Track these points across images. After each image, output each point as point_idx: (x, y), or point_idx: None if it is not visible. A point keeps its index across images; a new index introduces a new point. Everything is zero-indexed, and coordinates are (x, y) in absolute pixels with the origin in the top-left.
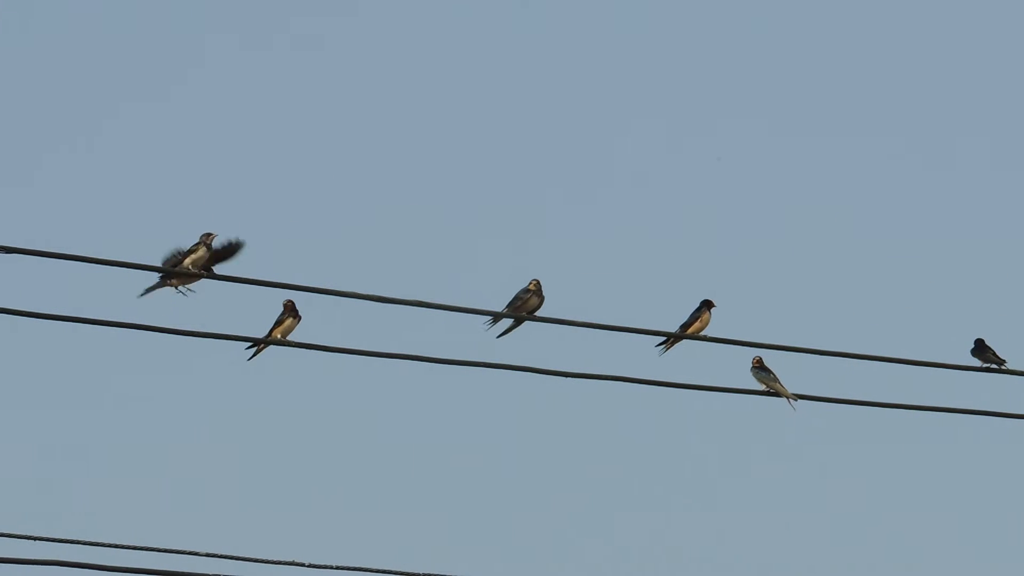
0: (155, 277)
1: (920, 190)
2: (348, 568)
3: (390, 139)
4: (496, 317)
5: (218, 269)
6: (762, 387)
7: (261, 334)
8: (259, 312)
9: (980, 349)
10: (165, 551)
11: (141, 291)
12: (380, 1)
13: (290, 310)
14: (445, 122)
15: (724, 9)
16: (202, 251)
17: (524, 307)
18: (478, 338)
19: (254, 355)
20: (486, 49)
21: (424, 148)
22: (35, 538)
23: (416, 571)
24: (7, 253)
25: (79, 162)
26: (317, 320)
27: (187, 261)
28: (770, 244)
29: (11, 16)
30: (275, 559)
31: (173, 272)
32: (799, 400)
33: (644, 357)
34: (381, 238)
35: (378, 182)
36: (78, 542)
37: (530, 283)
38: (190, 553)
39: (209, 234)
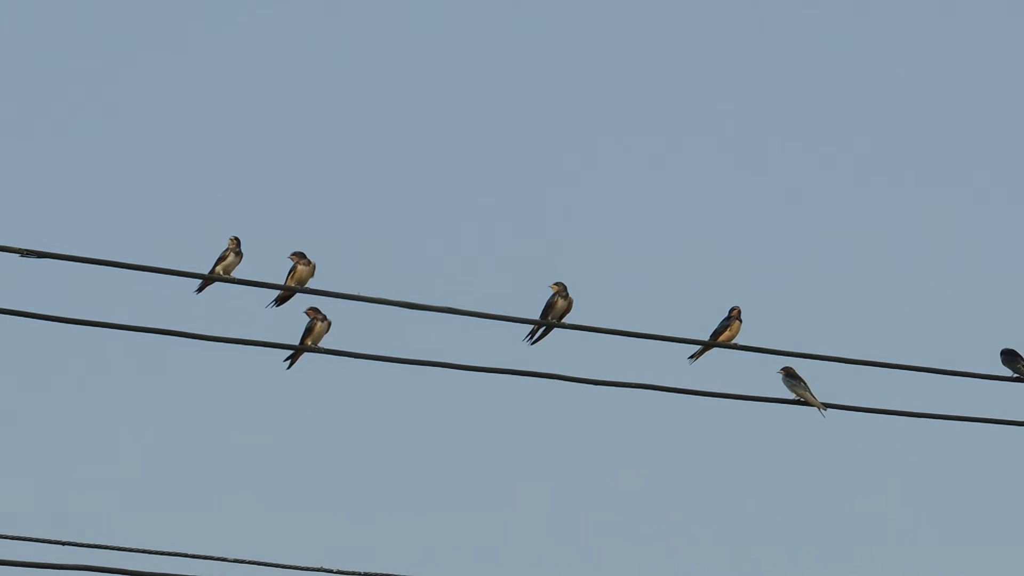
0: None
1: (951, 197)
2: (375, 574)
3: (413, 143)
4: (534, 329)
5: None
6: (792, 396)
7: (295, 340)
8: (287, 319)
9: (1011, 359)
10: (190, 556)
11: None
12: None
13: (316, 316)
14: (469, 127)
15: (730, 5)
16: (231, 257)
17: (553, 312)
18: (508, 345)
19: (291, 364)
20: (498, 51)
21: (449, 153)
22: (63, 543)
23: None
24: (31, 256)
25: (79, 163)
26: (347, 327)
27: (219, 268)
28: (800, 253)
29: (7, 11)
30: (302, 565)
31: (208, 278)
32: (829, 409)
33: (673, 365)
34: (406, 245)
35: (405, 190)
36: (103, 547)
37: (553, 286)
38: (218, 559)
39: (236, 238)
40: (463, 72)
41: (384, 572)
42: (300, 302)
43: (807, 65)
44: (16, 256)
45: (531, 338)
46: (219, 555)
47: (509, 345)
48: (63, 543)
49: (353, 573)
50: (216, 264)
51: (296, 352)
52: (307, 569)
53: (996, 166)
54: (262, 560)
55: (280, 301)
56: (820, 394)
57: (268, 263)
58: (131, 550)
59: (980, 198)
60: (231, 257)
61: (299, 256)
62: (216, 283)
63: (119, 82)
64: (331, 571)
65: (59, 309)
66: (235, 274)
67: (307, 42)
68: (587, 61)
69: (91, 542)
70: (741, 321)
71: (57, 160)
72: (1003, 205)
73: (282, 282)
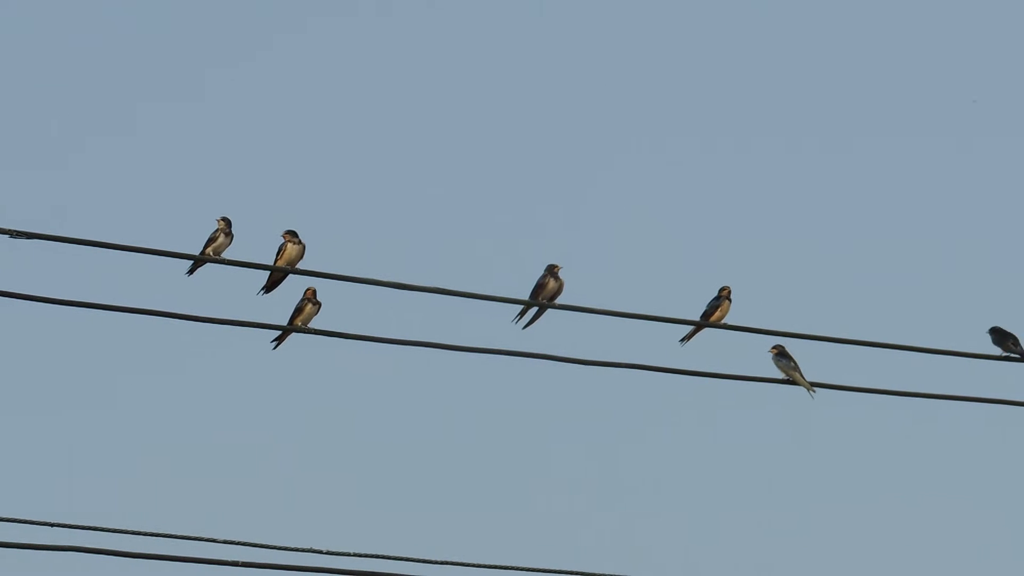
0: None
1: (939, 176)
2: (365, 555)
3: (407, 131)
4: (524, 309)
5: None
6: (781, 375)
7: (282, 322)
8: (282, 300)
9: (1000, 338)
10: (185, 538)
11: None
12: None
13: (310, 298)
14: (461, 111)
15: (735, 7)
16: (222, 238)
17: (544, 293)
18: (498, 326)
19: (277, 344)
20: (499, 43)
21: (443, 139)
22: (55, 524)
23: (433, 558)
24: (21, 238)
25: (70, 144)
26: (337, 307)
27: (209, 249)
28: (789, 232)
29: (35, 14)
30: (292, 546)
31: (199, 259)
32: (818, 388)
33: (663, 345)
34: (400, 228)
35: (398, 174)
36: (99, 529)
37: (547, 268)
38: (207, 540)
39: (225, 219)
40: (452, 62)
41: (374, 553)
42: (292, 289)
43: (787, 49)
44: (6, 237)
45: (520, 318)
46: (208, 536)
47: (500, 326)
48: (54, 524)
49: (343, 554)
50: (207, 245)
51: (284, 332)
52: (297, 550)
53: (983, 147)
54: (252, 541)
55: (270, 287)
56: (809, 373)
57: (260, 244)
58: (121, 531)
59: (969, 177)
60: (221, 238)
61: (290, 235)
62: (207, 264)
63: (115, 72)
64: (321, 551)
65: (48, 290)
66: (226, 255)
67: (315, 41)
68: (583, 55)
69: (81, 523)
70: (731, 301)
71: (47, 141)
72: (991, 184)
73: (279, 267)
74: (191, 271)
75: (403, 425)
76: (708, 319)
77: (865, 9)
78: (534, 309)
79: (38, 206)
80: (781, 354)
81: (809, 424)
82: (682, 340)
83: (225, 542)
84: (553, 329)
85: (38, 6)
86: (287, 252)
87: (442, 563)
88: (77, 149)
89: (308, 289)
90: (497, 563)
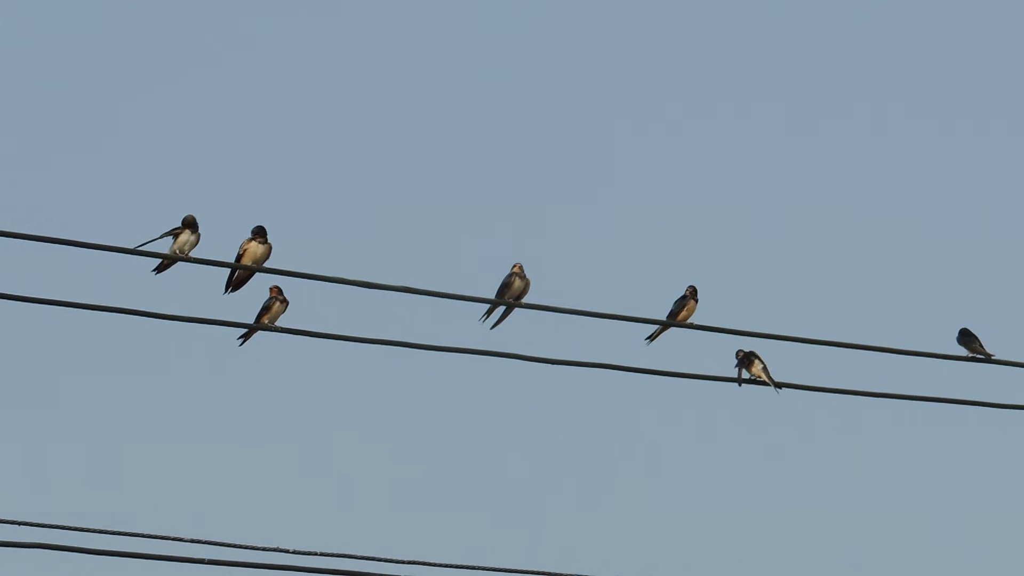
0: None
1: (905, 178)
2: (332, 555)
3: (377, 131)
4: (491, 307)
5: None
6: (748, 375)
7: (249, 319)
8: (249, 298)
9: (966, 339)
10: (152, 536)
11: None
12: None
13: (277, 296)
14: (430, 112)
15: (715, 7)
16: (186, 233)
17: (510, 292)
18: (465, 325)
19: (244, 342)
20: (469, 43)
21: (412, 138)
22: (19, 523)
23: (401, 558)
24: None
25: (84, 155)
26: (305, 306)
27: (174, 246)
28: (757, 232)
29: (24, 10)
30: (260, 545)
31: (164, 258)
32: (783, 388)
33: (630, 344)
34: (369, 228)
35: (366, 173)
36: (64, 527)
37: (513, 267)
38: (175, 539)
39: (191, 216)
40: (416, 60)
41: (342, 552)
42: (258, 288)
43: (752, 51)
44: None
45: (487, 317)
46: (175, 535)
47: (467, 325)
48: (20, 523)
49: (310, 553)
50: (166, 234)
51: (251, 329)
52: (264, 549)
53: (953, 147)
54: (219, 540)
55: (236, 285)
56: (776, 373)
57: (229, 243)
58: (86, 530)
59: (938, 179)
60: (184, 235)
61: (256, 233)
62: (176, 263)
63: (88, 71)
64: (288, 551)
65: (13, 288)
66: (193, 254)
67: (281, 40)
68: (548, 56)
69: (46, 522)
70: (697, 300)
71: (17, 140)
72: (960, 185)
73: (245, 265)
74: (158, 270)
75: (370, 424)
76: (675, 318)
77: (829, 12)
78: (501, 308)
79: (5, 204)
80: (747, 354)
81: (776, 424)
82: (648, 339)
83: (192, 541)
84: (520, 328)
85: (6, 6)
86: (250, 250)
87: (410, 563)
88: (48, 148)
89: (272, 287)
90: (465, 563)
